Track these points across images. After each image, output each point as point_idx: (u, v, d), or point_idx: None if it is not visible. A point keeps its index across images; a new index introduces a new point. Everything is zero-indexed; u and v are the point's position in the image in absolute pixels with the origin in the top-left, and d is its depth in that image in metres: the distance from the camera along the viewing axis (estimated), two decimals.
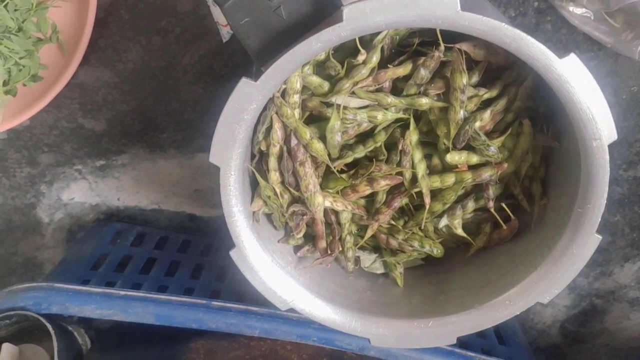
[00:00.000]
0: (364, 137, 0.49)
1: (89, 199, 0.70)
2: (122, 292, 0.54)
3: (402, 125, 0.48)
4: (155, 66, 0.62)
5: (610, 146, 0.41)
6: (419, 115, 0.48)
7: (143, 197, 0.70)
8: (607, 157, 0.41)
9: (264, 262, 0.48)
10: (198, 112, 0.64)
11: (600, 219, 0.44)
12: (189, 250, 0.68)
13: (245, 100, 0.42)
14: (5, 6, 0.56)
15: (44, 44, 0.59)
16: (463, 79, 0.44)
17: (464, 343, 0.59)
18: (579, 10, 0.54)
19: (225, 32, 0.58)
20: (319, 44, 0.39)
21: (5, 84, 0.59)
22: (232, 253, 0.47)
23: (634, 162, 0.65)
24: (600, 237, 0.45)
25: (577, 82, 0.39)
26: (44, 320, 0.52)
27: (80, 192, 0.70)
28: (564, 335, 0.76)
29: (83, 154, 0.67)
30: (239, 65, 0.62)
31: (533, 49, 0.38)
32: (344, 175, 0.49)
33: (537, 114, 0.48)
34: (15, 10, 0.57)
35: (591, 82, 0.39)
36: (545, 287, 0.47)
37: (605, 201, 0.43)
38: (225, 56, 0.61)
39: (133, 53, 0.62)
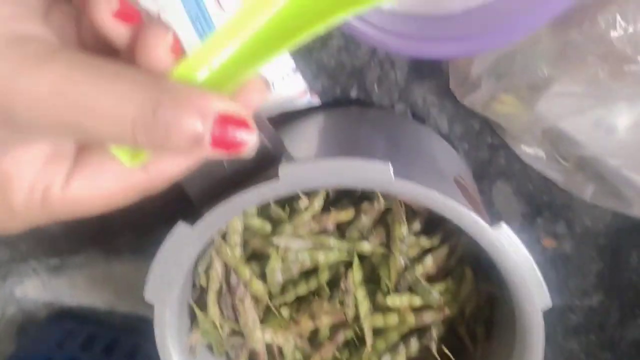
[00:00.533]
0: (308, 273, 0.48)
1: (42, 296, 0.69)
2: None
3: (346, 263, 0.48)
4: None
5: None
6: (363, 255, 0.48)
7: (96, 298, 0.69)
8: (542, 323, 0.41)
9: None
10: (155, 219, 0.64)
11: None
12: (138, 356, 0.66)
13: (181, 243, 0.42)
14: None
15: None
16: (403, 230, 0.44)
17: None
18: (530, 150, 0.55)
19: None
20: (256, 197, 0.40)
21: None
22: None
23: (589, 292, 0.64)
24: None
25: (508, 250, 0.39)
26: None
27: (34, 289, 0.69)
28: None
29: (39, 252, 0.67)
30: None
31: (464, 217, 0.39)
32: (285, 309, 0.49)
33: (479, 260, 0.48)
34: None
35: (522, 250, 0.39)
36: None
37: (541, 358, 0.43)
38: None
39: None
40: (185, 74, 0.26)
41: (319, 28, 0.25)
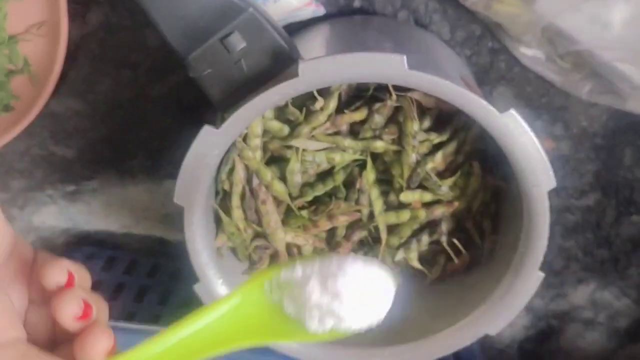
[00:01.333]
0: (325, 175, 0.51)
1: (60, 223, 0.71)
2: None
3: (360, 164, 0.51)
4: (125, 98, 0.64)
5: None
6: (376, 155, 0.51)
7: (113, 221, 0.71)
8: (547, 203, 0.44)
9: None
10: (167, 141, 0.66)
11: (542, 259, 0.47)
12: (158, 275, 0.69)
13: (207, 146, 0.44)
14: None
15: (15, 75, 0.61)
16: (414, 126, 0.46)
17: None
18: (530, 52, 0.57)
19: None
20: (276, 96, 0.42)
21: None
22: (196, 287, 0.49)
23: (586, 192, 0.68)
24: (542, 274, 0.47)
25: (516, 135, 0.42)
26: None
27: (51, 216, 0.71)
28: (521, 355, 0.79)
29: (54, 179, 0.69)
30: (206, 97, 0.63)
31: (475, 105, 0.41)
32: (304, 212, 0.51)
33: (486, 155, 0.51)
34: None
35: (529, 134, 0.42)
36: (492, 320, 0.50)
37: (546, 242, 0.46)
38: (193, 88, 0.63)
39: (103, 85, 0.63)
40: None
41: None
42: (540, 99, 0.62)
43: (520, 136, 0.42)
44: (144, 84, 0.63)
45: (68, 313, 0.31)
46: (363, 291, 0.31)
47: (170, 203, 0.70)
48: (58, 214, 0.71)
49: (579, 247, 0.71)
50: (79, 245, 0.71)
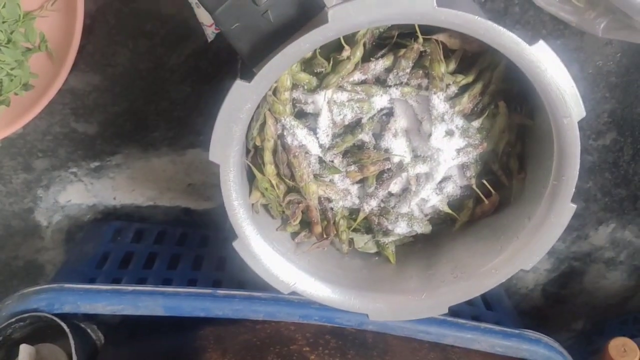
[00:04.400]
0: (352, 127, 0.52)
1: (86, 200, 0.72)
2: (131, 288, 0.57)
3: (387, 113, 0.52)
4: (143, 68, 0.64)
5: (580, 120, 0.45)
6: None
7: (138, 195, 0.72)
8: (577, 133, 0.45)
9: (265, 250, 0.51)
10: (187, 110, 0.67)
11: (574, 189, 0.48)
12: (186, 243, 0.70)
13: (240, 100, 0.44)
14: None
15: (32, 53, 0.61)
16: (441, 68, 0.47)
17: (454, 312, 0.63)
18: None
19: (210, 32, 0.60)
20: (307, 44, 0.42)
21: None
22: (235, 244, 0.50)
23: (603, 132, 0.69)
24: (575, 205, 0.48)
25: (547, 66, 0.42)
26: (58, 320, 0.54)
27: (77, 194, 0.72)
28: (545, 298, 0.81)
29: (77, 156, 0.69)
30: (224, 62, 0.64)
31: (505, 39, 0.41)
32: (335, 162, 0.52)
33: (511, 95, 0.52)
34: (3, 22, 0.59)
35: (559, 65, 0.43)
36: (526, 255, 0.51)
37: (577, 173, 0.47)
38: (211, 55, 0.64)
39: (121, 56, 0.63)
40: None
41: None
42: (555, 41, 0.62)
43: (551, 67, 0.42)
44: (161, 54, 0.63)
45: None
46: None
47: (194, 173, 0.71)
48: (83, 191, 0.71)
49: (597, 187, 0.73)
50: (107, 220, 0.72)
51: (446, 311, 0.54)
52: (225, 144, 0.46)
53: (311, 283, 0.54)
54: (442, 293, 0.54)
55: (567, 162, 0.46)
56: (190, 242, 0.70)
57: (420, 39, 0.46)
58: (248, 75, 0.45)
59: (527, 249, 0.51)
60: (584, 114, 0.44)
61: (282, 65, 0.43)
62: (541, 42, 0.42)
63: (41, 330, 0.58)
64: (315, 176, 0.52)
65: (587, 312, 0.82)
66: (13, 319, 0.56)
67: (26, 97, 0.62)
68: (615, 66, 0.64)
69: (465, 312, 0.65)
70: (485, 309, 0.67)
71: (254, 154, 0.52)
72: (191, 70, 0.64)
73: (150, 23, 0.62)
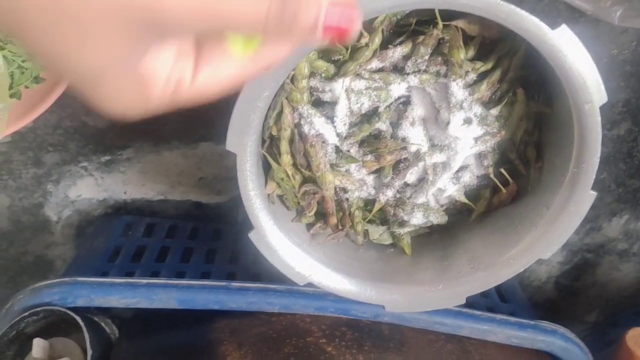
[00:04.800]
0: (369, 116, 0.51)
1: (96, 194, 0.71)
2: (144, 281, 0.56)
3: (404, 102, 0.51)
4: None
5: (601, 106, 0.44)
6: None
7: (149, 189, 0.72)
8: (599, 119, 0.45)
9: (281, 241, 0.51)
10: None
11: (594, 176, 0.47)
12: (198, 236, 0.70)
13: (258, 88, 0.44)
14: None
15: None
16: (461, 54, 0.47)
17: (469, 303, 0.62)
18: None
19: None
20: None
21: (9, 87, 0.60)
22: (251, 235, 0.50)
23: (617, 122, 0.68)
24: (595, 193, 0.48)
25: (569, 50, 0.42)
26: (71, 314, 0.54)
27: (87, 189, 0.71)
28: (558, 290, 0.81)
29: (88, 151, 0.69)
30: None
31: (527, 23, 0.41)
32: (352, 151, 0.52)
33: (529, 82, 0.51)
34: None
35: (581, 50, 0.42)
36: (545, 244, 0.50)
37: (598, 160, 0.47)
38: None
39: None
40: None
41: None
42: (571, 30, 0.62)
43: (573, 52, 0.42)
44: None
45: None
46: None
47: (205, 166, 0.71)
48: (94, 186, 0.71)
49: (611, 178, 0.72)
50: (118, 215, 0.72)
51: (463, 302, 0.54)
52: (243, 133, 0.45)
53: (327, 274, 0.53)
54: (459, 284, 0.54)
55: (587, 149, 0.46)
56: (202, 236, 0.70)
57: (440, 25, 0.46)
58: None
59: (546, 238, 0.50)
60: (605, 99, 0.44)
61: (301, 52, 0.43)
62: (564, 27, 0.41)
63: (54, 325, 0.57)
64: (332, 166, 0.52)
65: (600, 304, 0.82)
66: (26, 313, 0.55)
67: (37, 90, 0.62)
68: (630, 55, 0.64)
69: (479, 304, 0.64)
70: (499, 301, 0.67)
71: (269, 144, 0.51)
72: None
73: None
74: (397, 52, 0.48)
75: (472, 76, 0.49)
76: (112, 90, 0.29)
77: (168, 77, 0.31)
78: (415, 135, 0.51)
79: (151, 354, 0.54)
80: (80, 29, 0.25)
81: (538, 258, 0.51)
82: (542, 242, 0.50)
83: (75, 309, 0.55)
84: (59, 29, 0.25)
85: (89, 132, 0.67)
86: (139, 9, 0.25)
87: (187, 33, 0.30)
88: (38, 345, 0.55)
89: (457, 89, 0.48)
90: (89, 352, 0.52)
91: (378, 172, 0.54)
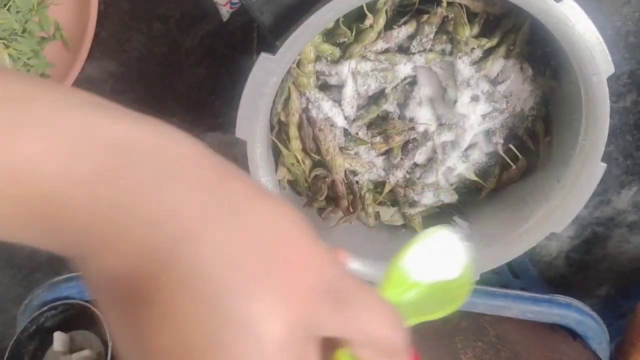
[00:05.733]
0: (376, 98, 0.51)
1: None
2: None
3: (410, 82, 0.51)
4: (159, 52, 0.64)
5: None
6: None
7: None
8: (607, 89, 0.45)
9: None
10: (204, 93, 0.66)
11: (604, 148, 0.47)
12: None
13: (265, 74, 0.44)
14: (8, 9, 0.57)
15: (48, 42, 0.61)
16: (466, 31, 0.47)
17: (482, 281, 0.63)
18: None
19: (225, 12, 0.60)
20: (331, 12, 0.42)
21: None
22: None
23: (623, 94, 0.68)
24: (605, 164, 0.48)
25: (574, 23, 0.42)
26: (91, 306, 0.54)
27: None
28: (569, 265, 0.81)
29: None
30: (240, 43, 0.64)
31: None
32: (360, 133, 0.52)
33: (534, 57, 0.51)
34: (17, 12, 0.58)
35: (587, 21, 0.42)
36: (557, 218, 0.51)
37: (607, 130, 0.47)
38: (226, 35, 0.63)
39: (136, 41, 0.63)
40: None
41: None
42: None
43: (579, 24, 0.42)
44: (176, 37, 0.63)
45: None
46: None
47: None
48: None
49: (619, 150, 0.72)
50: None
51: (477, 278, 0.54)
52: (252, 120, 0.46)
53: None
54: (477, 260, 0.54)
55: (596, 120, 0.46)
56: None
57: (444, 3, 0.46)
58: (270, 50, 0.45)
59: (558, 211, 0.51)
60: (612, 70, 0.44)
61: (307, 36, 0.43)
62: None
63: (73, 318, 0.58)
64: (341, 149, 0.52)
65: (611, 278, 0.82)
66: (45, 308, 0.56)
67: None
68: (634, 26, 0.63)
69: (492, 281, 0.64)
70: (512, 278, 0.67)
71: (278, 130, 0.51)
72: (206, 52, 0.64)
73: (164, 6, 0.61)
74: (401, 32, 0.48)
75: (478, 53, 0.49)
76: None
77: None
78: (423, 115, 0.51)
79: None
80: None
81: (550, 232, 0.51)
82: (554, 215, 0.51)
83: (92, 302, 0.56)
84: None
85: None
86: None
87: None
88: (59, 339, 0.56)
89: (464, 67, 0.48)
90: (110, 343, 0.53)
91: (387, 153, 0.54)
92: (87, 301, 0.56)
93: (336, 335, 0.22)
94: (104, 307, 0.21)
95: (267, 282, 0.20)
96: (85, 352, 0.55)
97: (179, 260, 0.20)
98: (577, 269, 0.81)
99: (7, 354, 0.56)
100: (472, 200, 0.58)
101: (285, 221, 0.22)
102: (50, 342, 0.57)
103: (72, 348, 0.57)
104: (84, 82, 0.65)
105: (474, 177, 0.55)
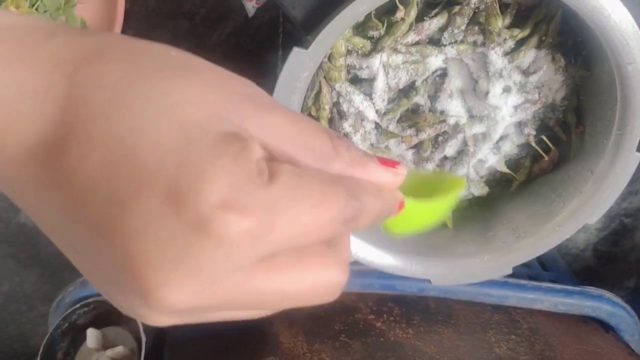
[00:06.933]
0: (406, 91, 0.51)
1: None
2: None
3: (441, 74, 0.51)
4: (184, 49, 0.64)
5: None
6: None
7: None
8: None
9: None
10: None
11: (639, 138, 0.47)
12: None
13: (298, 69, 0.44)
14: (36, 9, 0.58)
15: None
16: (498, 22, 0.46)
17: (512, 274, 0.62)
18: None
19: (251, 7, 0.60)
20: (363, 6, 0.42)
21: None
22: None
23: None
24: (639, 154, 0.48)
25: (610, 11, 0.41)
26: None
27: None
28: (597, 257, 0.80)
29: None
30: (265, 38, 0.64)
31: None
32: (391, 126, 0.52)
33: (566, 48, 0.51)
34: (45, 11, 0.59)
35: (622, 9, 0.42)
36: (591, 209, 0.50)
37: None
38: (251, 31, 0.63)
39: (161, 39, 0.63)
40: None
41: None
42: None
43: (614, 13, 0.41)
44: (202, 33, 0.63)
45: None
46: None
47: None
48: None
49: None
50: None
51: (510, 272, 0.54)
52: None
53: (372, 251, 0.54)
54: (505, 254, 0.54)
55: (631, 111, 0.45)
56: None
57: None
58: (300, 44, 0.45)
59: (592, 203, 0.50)
60: None
61: (339, 30, 0.43)
62: None
63: (105, 315, 0.58)
64: (370, 145, 0.52)
65: (639, 269, 0.81)
66: (77, 305, 0.57)
67: None
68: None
69: (522, 274, 0.64)
70: (541, 270, 0.67)
71: None
72: (232, 48, 0.64)
73: (190, 3, 0.62)
74: (433, 24, 0.47)
75: (510, 44, 0.48)
76: None
77: None
78: (453, 107, 0.51)
79: (205, 337, 0.55)
80: None
81: (584, 224, 0.51)
82: (587, 207, 0.50)
83: None
84: None
85: None
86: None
87: None
88: (92, 335, 0.56)
89: (496, 58, 0.48)
90: (144, 338, 0.53)
91: (417, 146, 0.54)
92: None
93: (262, 139, 0.22)
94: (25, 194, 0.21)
95: (188, 76, 0.22)
96: (119, 349, 0.56)
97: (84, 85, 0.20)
98: (605, 261, 0.81)
99: (40, 351, 0.56)
100: (502, 193, 0.58)
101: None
102: (82, 339, 0.57)
103: (105, 344, 0.58)
104: None
105: (505, 170, 0.55)
